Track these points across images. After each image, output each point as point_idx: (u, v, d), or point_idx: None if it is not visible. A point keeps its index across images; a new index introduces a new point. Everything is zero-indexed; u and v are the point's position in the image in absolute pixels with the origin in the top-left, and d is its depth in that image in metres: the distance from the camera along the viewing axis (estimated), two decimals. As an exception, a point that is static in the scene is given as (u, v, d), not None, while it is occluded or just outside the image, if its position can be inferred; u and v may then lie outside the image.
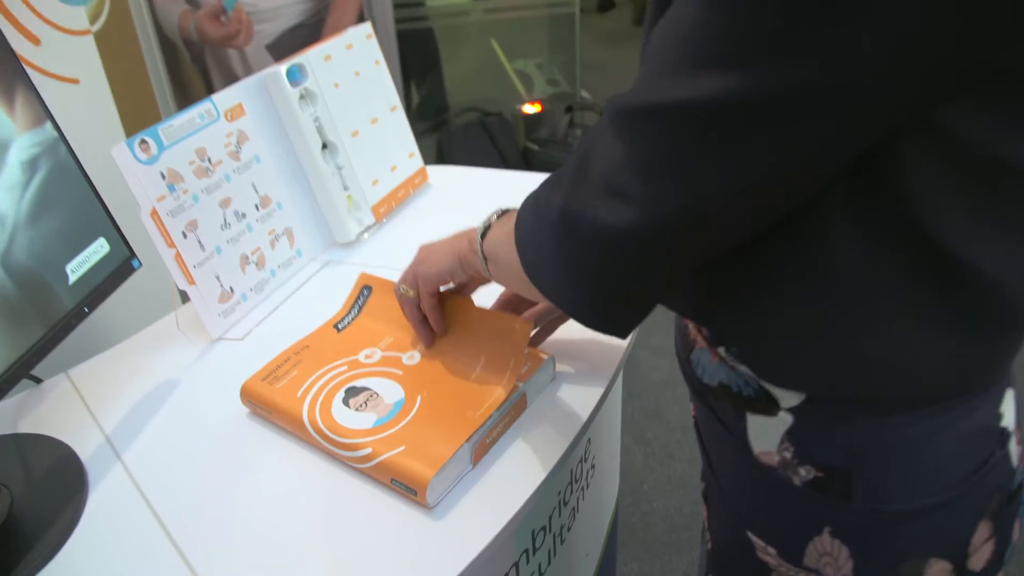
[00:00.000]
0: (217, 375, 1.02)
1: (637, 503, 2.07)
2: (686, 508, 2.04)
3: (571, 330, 0.97)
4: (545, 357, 0.91)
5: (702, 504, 0.86)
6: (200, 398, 0.98)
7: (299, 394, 0.88)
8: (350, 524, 0.78)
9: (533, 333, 0.95)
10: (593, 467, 1.16)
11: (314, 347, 0.97)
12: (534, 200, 0.68)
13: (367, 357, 0.93)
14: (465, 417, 0.82)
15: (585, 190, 0.59)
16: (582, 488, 1.11)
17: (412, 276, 0.89)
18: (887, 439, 0.61)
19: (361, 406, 0.85)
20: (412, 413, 0.84)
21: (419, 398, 0.86)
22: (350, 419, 0.84)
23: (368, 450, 0.80)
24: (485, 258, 0.78)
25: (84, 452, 0.91)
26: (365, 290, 1.02)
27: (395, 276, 1.15)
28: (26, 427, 0.97)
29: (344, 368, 0.92)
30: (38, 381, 1.05)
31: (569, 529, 1.08)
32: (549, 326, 0.96)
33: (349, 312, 1.02)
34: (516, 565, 0.92)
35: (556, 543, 1.03)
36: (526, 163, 3.65)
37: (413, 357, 0.93)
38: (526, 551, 0.94)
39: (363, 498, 0.81)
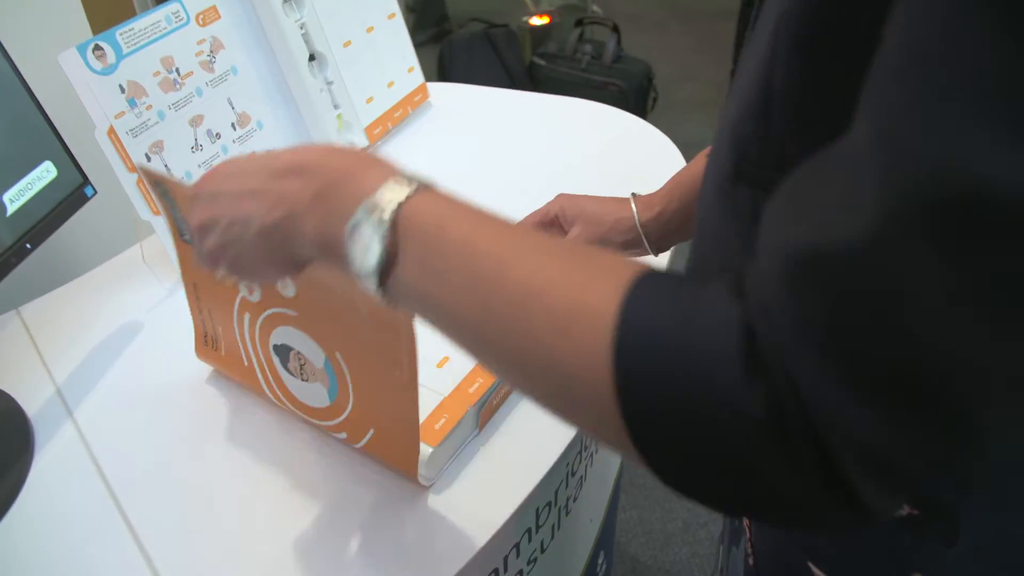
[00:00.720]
0: (183, 320, 0.89)
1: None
2: (689, 453, 1.96)
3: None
4: None
5: None
6: (163, 348, 0.86)
7: (245, 364, 0.76)
8: (334, 502, 0.68)
9: None
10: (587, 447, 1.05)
11: (201, 285, 0.78)
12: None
13: (250, 292, 0.73)
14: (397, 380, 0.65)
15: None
16: (591, 454, 1.01)
17: (215, 247, 0.51)
18: None
19: (300, 373, 0.71)
20: (349, 382, 0.68)
21: (339, 357, 0.67)
22: (305, 393, 0.72)
23: (343, 434, 0.69)
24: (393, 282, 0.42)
25: (32, 406, 0.80)
26: (160, 189, 0.69)
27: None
28: (-33, 373, 0.85)
29: (247, 316, 0.75)
30: (-15, 319, 0.93)
31: (575, 500, 0.98)
32: None
33: (173, 221, 0.76)
34: (516, 546, 0.82)
35: (561, 516, 0.93)
36: (531, 79, 3.47)
37: (286, 287, 0.68)
38: (528, 530, 0.84)
39: (347, 471, 0.70)
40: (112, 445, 0.75)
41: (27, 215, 0.77)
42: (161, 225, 0.92)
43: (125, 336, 0.88)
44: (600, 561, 1.33)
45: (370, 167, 0.44)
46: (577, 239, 0.80)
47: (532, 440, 0.72)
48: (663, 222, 0.79)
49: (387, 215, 0.40)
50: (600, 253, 0.39)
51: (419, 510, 0.67)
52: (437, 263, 0.40)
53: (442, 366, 0.74)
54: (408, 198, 0.41)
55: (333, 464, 0.71)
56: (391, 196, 0.41)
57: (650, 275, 0.36)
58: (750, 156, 0.46)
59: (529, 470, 0.69)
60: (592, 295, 0.36)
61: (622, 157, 1.11)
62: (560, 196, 0.84)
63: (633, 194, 0.81)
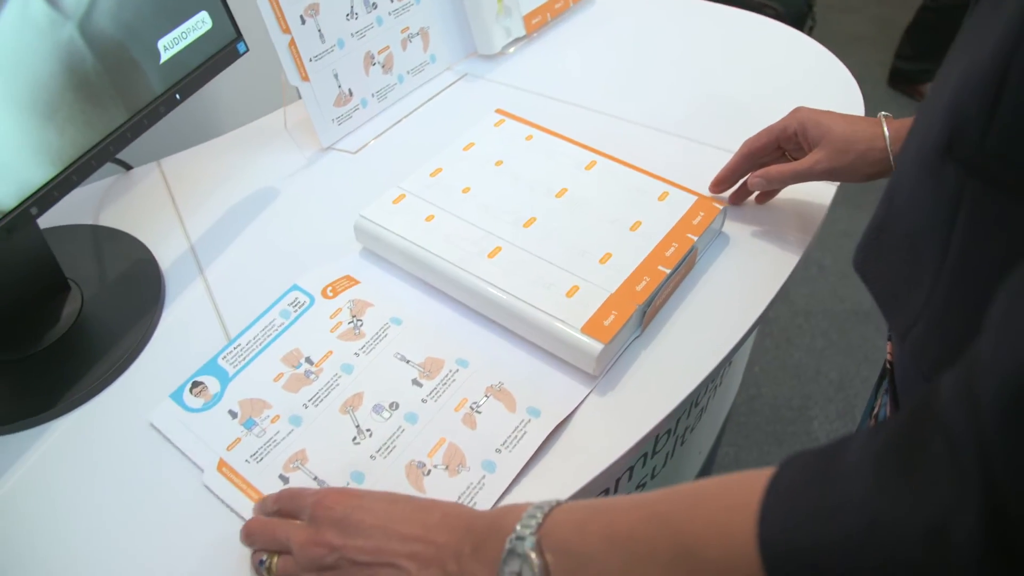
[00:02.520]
0: (320, 191, 0.88)
1: (745, 386, 1.92)
2: (796, 401, 1.89)
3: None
4: (720, 207, 0.76)
5: None
6: (299, 216, 0.85)
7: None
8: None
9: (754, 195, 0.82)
10: (730, 361, 1.00)
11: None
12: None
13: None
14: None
15: None
16: (715, 386, 0.96)
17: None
18: None
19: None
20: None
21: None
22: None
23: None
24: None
25: (165, 260, 0.80)
26: None
27: (538, 103, 0.97)
28: (107, 218, 0.86)
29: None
30: (127, 167, 0.93)
31: (692, 430, 0.94)
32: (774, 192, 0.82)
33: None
34: (631, 469, 0.79)
35: (676, 446, 0.90)
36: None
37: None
38: (645, 455, 0.80)
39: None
40: (239, 310, 0.74)
41: (179, 65, 0.75)
42: (308, 91, 0.89)
43: (260, 200, 0.87)
44: (696, 494, 1.30)
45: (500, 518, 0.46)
46: (815, 167, 0.72)
47: (686, 349, 0.68)
48: None
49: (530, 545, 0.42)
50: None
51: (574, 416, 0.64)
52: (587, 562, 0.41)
53: (605, 262, 0.70)
54: (542, 523, 0.43)
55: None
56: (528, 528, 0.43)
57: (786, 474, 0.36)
58: (968, 134, 0.41)
59: (675, 387, 0.65)
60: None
61: (795, 83, 1.01)
62: (800, 110, 0.75)
63: (885, 115, 0.72)
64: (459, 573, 0.45)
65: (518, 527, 0.43)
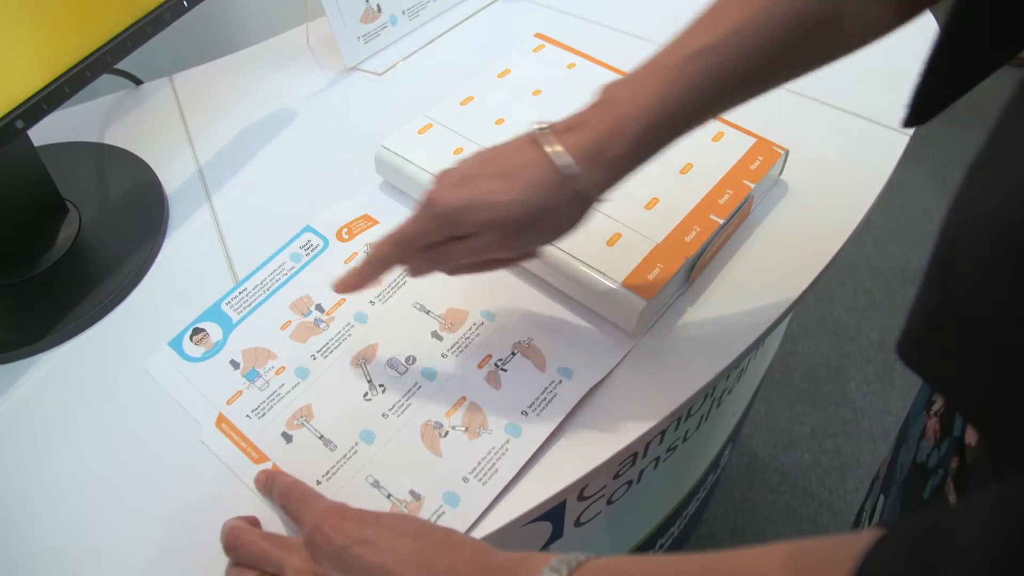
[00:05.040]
0: (341, 116, 0.81)
1: (780, 341, 1.85)
2: (833, 360, 1.81)
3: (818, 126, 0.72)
4: (781, 152, 0.68)
5: (950, 483, 0.58)
6: (317, 143, 0.78)
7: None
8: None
9: None
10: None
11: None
12: None
13: None
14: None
15: None
16: (758, 349, 0.90)
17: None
18: None
19: None
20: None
21: None
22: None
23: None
24: None
25: (171, 183, 0.74)
26: None
27: (581, 28, 0.88)
28: (113, 137, 0.80)
29: None
30: (138, 82, 0.86)
31: (729, 392, 0.88)
32: None
33: None
34: (662, 433, 0.73)
35: (712, 408, 0.84)
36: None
37: None
38: (679, 419, 0.74)
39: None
40: (246, 242, 0.68)
41: (190, -33, 0.68)
42: (332, 5, 0.82)
43: (278, 122, 0.80)
44: (727, 452, 1.24)
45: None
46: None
47: (736, 308, 0.62)
48: (620, 169, 0.47)
49: None
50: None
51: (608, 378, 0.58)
52: None
53: (651, 208, 0.63)
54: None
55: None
56: None
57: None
58: None
59: (721, 349, 0.59)
60: None
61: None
62: (440, 184, 0.48)
63: (540, 128, 0.47)
64: None
65: None
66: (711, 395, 0.79)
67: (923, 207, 2.14)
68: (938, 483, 0.57)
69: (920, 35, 0.80)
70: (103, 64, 0.63)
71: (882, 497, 0.66)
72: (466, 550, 0.42)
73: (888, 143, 0.73)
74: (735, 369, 0.80)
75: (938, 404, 0.64)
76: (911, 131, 0.74)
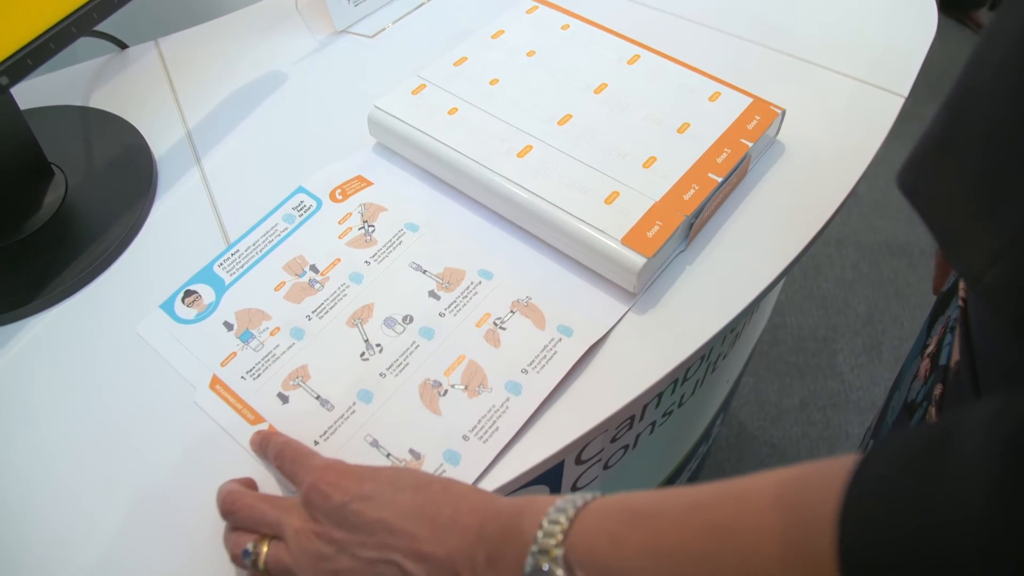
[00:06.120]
0: (332, 79, 0.79)
1: (769, 315, 1.85)
2: (821, 332, 1.82)
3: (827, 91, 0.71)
4: (778, 111, 0.67)
5: (932, 410, 0.60)
6: (308, 106, 0.77)
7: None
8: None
9: None
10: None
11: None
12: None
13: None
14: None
15: None
16: (752, 312, 0.89)
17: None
18: None
19: None
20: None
21: None
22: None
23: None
24: None
25: (159, 147, 0.73)
26: None
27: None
28: (99, 100, 0.78)
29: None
30: (123, 46, 0.85)
31: (724, 357, 0.88)
32: None
33: None
34: (660, 395, 0.73)
35: (707, 373, 0.83)
36: None
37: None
38: (675, 381, 0.74)
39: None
40: (236, 205, 0.67)
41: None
42: (319, -34, 0.80)
43: (267, 85, 0.79)
44: (718, 423, 1.25)
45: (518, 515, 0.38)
46: None
47: (734, 267, 0.61)
48: None
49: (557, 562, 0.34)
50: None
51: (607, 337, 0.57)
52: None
53: (649, 166, 0.62)
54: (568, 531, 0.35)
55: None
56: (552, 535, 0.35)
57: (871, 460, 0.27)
58: None
59: (720, 308, 0.59)
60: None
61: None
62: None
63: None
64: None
65: (539, 535, 0.35)
66: (707, 358, 0.78)
67: (910, 181, 2.14)
68: (922, 415, 0.57)
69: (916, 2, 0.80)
70: (88, 21, 0.61)
71: (872, 442, 0.66)
72: (468, 499, 0.41)
73: (883, 103, 0.73)
74: (731, 332, 0.80)
75: (931, 346, 0.64)
76: (906, 92, 0.73)
